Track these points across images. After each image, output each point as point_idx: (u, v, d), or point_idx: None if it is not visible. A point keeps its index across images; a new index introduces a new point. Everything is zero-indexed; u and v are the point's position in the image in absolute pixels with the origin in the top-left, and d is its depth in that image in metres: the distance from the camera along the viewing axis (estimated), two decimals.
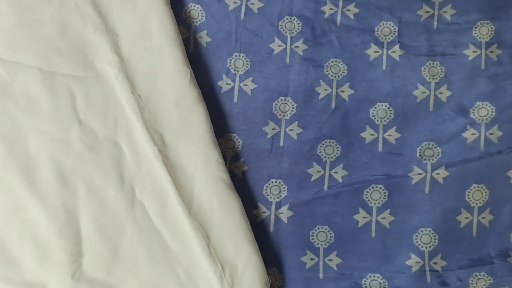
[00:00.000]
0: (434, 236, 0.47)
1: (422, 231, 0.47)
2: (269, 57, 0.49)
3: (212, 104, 0.49)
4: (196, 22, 0.50)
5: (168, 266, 0.45)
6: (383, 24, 0.50)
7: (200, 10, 0.50)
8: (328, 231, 0.47)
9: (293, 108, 0.49)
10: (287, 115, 0.49)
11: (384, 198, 0.48)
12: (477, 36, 0.50)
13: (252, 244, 0.45)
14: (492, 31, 0.50)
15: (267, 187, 0.48)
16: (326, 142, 0.49)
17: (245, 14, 0.50)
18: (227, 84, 0.49)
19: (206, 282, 0.45)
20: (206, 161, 0.46)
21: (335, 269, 0.47)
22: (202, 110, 0.47)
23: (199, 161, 0.46)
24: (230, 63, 0.49)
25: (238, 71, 0.49)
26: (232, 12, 0.50)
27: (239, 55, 0.50)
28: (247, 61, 0.50)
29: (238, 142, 0.49)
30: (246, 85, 0.49)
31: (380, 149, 0.48)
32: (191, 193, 0.46)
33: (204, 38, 0.50)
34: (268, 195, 0.48)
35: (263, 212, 0.48)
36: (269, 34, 0.50)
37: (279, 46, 0.50)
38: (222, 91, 0.49)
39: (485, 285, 0.46)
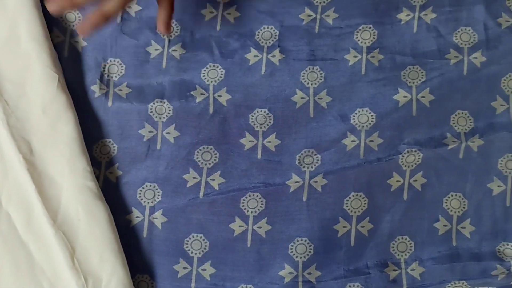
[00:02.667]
0: (310, 245, 0.46)
1: (297, 241, 0.46)
2: (145, 61, 0.48)
3: (86, 109, 0.48)
4: (73, 25, 0.49)
5: (33, 279, 0.44)
6: (264, 28, 0.49)
7: (77, 14, 0.49)
8: (203, 239, 0.46)
9: (169, 110, 0.48)
10: (163, 117, 0.48)
11: (261, 207, 0.46)
12: (359, 40, 0.49)
13: (118, 256, 0.44)
14: (374, 35, 0.49)
15: (141, 191, 0.46)
16: (203, 148, 0.47)
17: (122, 17, 0.49)
18: (101, 89, 0.48)
19: None
20: (72, 169, 0.45)
21: (208, 279, 0.45)
22: (70, 117, 0.46)
23: (66, 170, 0.45)
24: (104, 68, 0.48)
25: (112, 76, 0.48)
26: None
27: (114, 60, 0.48)
28: (121, 65, 0.48)
29: (114, 147, 0.47)
30: (121, 90, 0.48)
31: (259, 156, 0.47)
32: (58, 203, 0.44)
33: (80, 42, 0.49)
34: (142, 199, 0.46)
35: (137, 217, 0.46)
36: (146, 38, 0.49)
37: (156, 49, 0.48)
38: (96, 95, 0.48)
39: None
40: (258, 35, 0.49)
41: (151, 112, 0.48)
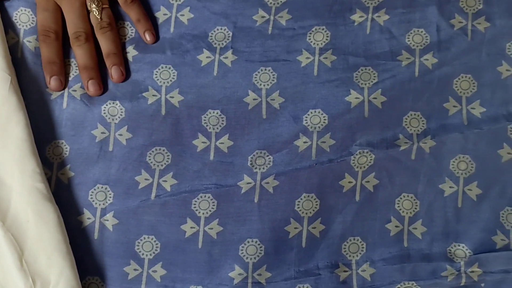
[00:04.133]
0: (261, 247, 0.46)
1: (248, 242, 0.46)
2: (98, 62, 0.48)
3: (40, 110, 0.48)
4: (26, 26, 0.49)
5: None
6: (218, 29, 0.49)
7: (31, 14, 0.49)
8: (154, 241, 0.46)
9: (121, 112, 0.48)
10: (116, 119, 0.48)
11: (212, 208, 0.46)
12: (311, 42, 0.49)
13: (66, 257, 0.44)
14: (327, 36, 0.49)
15: (92, 192, 0.46)
16: (156, 149, 0.47)
17: None
18: None
19: None
20: (22, 171, 0.45)
21: (159, 280, 0.45)
22: (21, 118, 0.46)
23: (16, 171, 0.45)
24: None
25: (67, 77, 0.48)
26: None
27: (69, 61, 0.48)
28: (76, 66, 0.48)
29: (66, 148, 0.47)
30: (75, 90, 0.48)
31: (212, 157, 0.47)
32: (8, 204, 0.44)
33: (33, 42, 0.49)
34: (93, 200, 0.46)
35: (88, 218, 0.46)
36: None
37: None
38: (52, 97, 0.48)
39: None
40: (211, 36, 0.49)
41: (104, 113, 0.48)
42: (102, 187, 0.47)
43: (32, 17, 0.49)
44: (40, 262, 0.43)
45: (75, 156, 0.47)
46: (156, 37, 0.49)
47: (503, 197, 0.46)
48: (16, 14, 0.49)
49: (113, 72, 0.48)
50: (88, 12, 0.48)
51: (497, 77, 0.48)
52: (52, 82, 0.47)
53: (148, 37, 0.49)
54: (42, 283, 0.43)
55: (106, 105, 0.48)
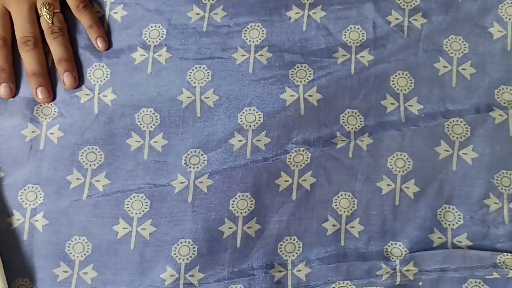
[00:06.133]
0: (193, 247, 0.45)
1: (181, 243, 0.45)
2: None
3: None
4: None
5: None
6: (152, 27, 0.48)
7: None
8: (86, 242, 0.45)
9: (54, 111, 0.47)
10: (48, 118, 0.47)
11: (145, 208, 0.46)
12: (247, 39, 0.48)
13: None
14: (263, 33, 0.48)
15: (22, 192, 0.45)
16: (88, 148, 0.46)
17: None
18: None
19: None
20: None
21: (89, 283, 0.44)
22: None
23: None
24: None
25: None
26: None
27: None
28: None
29: None
30: None
31: (145, 156, 0.46)
32: None
33: None
34: (23, 201, 0.45)
35: (17, 220, 0.45)
36: None
37: None
38: None
39: None
40: (145, 33, 0.48)
41: (37, 113, 0.47)
42: (32, 187, 0.46)
43: None
44: None
45: (4, 156, 0.46)
46: (108, 43, 0.48)
47: (440, 195, 0.46)
48: None
49: (66, 79, 0.47)
50: (38, 16, 0.48)
51: (434, 74, 0.47)
52: (2, 90, 0.46)
53: (100, 44, 0.48)
54: None
55: (40, 105, 0.47)
